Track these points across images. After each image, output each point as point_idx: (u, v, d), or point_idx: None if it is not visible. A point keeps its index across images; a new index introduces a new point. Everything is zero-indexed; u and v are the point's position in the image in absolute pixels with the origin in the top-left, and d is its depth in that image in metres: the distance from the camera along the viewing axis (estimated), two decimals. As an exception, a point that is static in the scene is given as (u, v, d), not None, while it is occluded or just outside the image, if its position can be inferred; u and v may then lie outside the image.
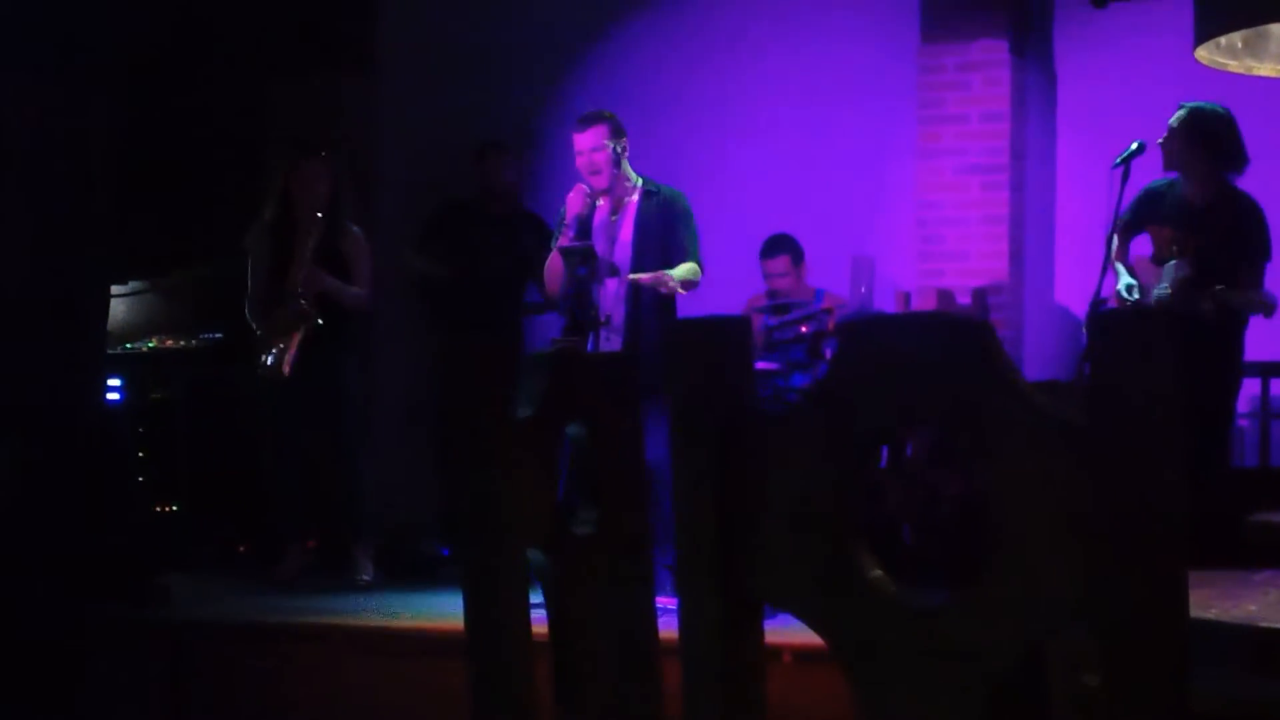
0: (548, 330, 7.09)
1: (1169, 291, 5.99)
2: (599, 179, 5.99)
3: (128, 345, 7.85)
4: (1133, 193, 6.11)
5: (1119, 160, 5.96)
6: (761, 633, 1.41)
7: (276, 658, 5.39)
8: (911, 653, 1.26)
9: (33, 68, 5.80)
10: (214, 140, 8.03)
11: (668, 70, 8.40)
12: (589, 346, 5.79)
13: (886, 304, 7.29)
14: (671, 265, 6.01)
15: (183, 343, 7.88)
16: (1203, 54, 2.65)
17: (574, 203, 6.00)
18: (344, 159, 7.11)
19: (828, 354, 6.21)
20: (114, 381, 7.51)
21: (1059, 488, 1.19)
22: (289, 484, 6.74)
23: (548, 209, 6.88)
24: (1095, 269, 6.18)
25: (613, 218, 6.07)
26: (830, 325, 6.39)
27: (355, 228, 6.79)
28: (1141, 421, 1.16)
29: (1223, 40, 2.62)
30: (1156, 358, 1.16)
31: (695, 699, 1.38)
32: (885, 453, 5.67)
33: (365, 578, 6.65)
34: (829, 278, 7.36)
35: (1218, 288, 5.90)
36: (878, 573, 1.28)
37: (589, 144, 6.00)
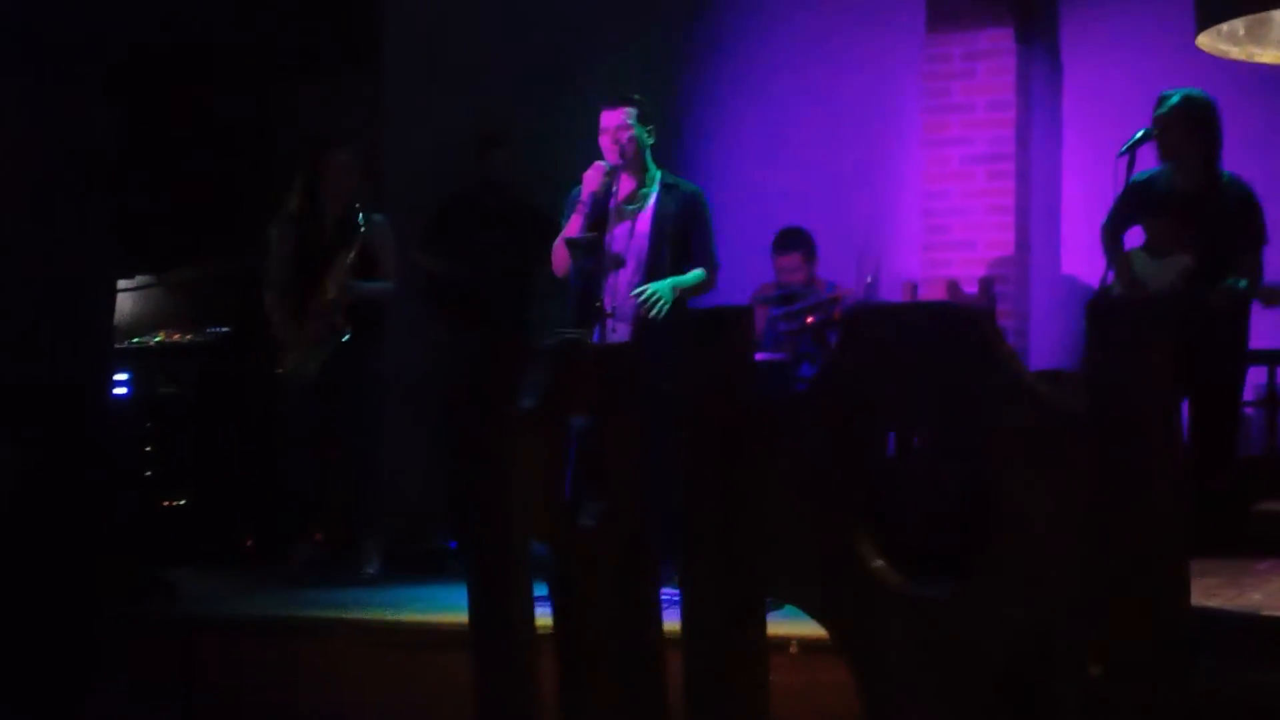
0: (553, 323, 7.09)
1: (1175, 284, 5.99)
2: (620, 159, 5.95)
3: (135, 339, 7.85)
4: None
5: (1125, 148, 5.95)
6: (764, 622, 1.41)
7: (283, 652, 5.40)
8: (915, 643, 1.26)
9: (37, 61, 5.80)
10: (220, 135, 8.04)
11: (673, 61, 8.39)
12: (594, 338, 5.79)
13: (893, 294, 7.28)
14: (686, 261, 6.02)
15: (190, 337, 7.88)
16: (1204, 41, 2.64)
17: (590, 180, 5.95)
18: (362, 153, 7.12)
19: (833, 344, 6.21)
20: (121, 376, 7.51)
21: (1060, 477, 1.19)
22: (302, 478, 6.75)
23: (550, 202, 6.87)
24: (1101, 258, 6.18)
25: (630, 207, 6.05)
26: (836, 315, 6.39)
27: (377, 216, 6.77)
28: (1140, 411, 1.16)
29: (1224, 27, 2.61)
30: (1155, 347, 1.16)
31: (698, 688, 1.38)
32: (891, 444, 5.67)
33: (372, 571, 6.65)
34: (835, 268, 7.35)
35: (1228, 282, 5.90)
36: (880, 563, 1.28)
37: (615, 122, 5.97)
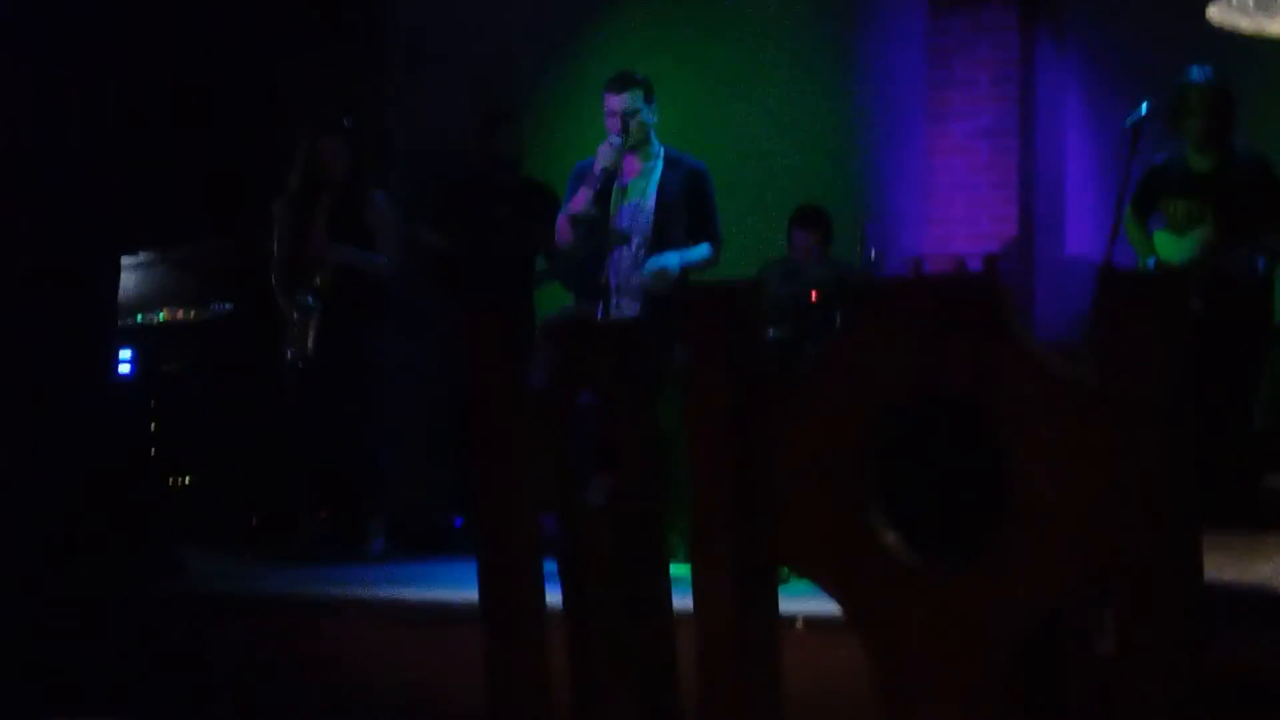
0: (559, 300, 7.09)
1: (1197, 256, 6.00)
2: (627, 139, 6.00)
3: (139, 317, 7.85)
4: (1140, 163, 6.09)
5: (1129, 122, 5.93)
6: (777, 600, 1.41)
7: (290, 629, 5.41)
8: (928, 619, 1.26)
9: (39, 41, 5.79)
10: (225, 111, 8.02)
11: (677, 39, 8.37)
12: (599, 314, 5.80)
13: (897, 269, 7.27)
14: (691, 237, 6.07)
15: (194, 314, 7.88)
16: (1214, 13, 2.63)
17: (603, 155, 5.99)
18: (364, 130, 7.13)
19: (839, 321, 6.21)
20: (125, 354, 7.51)
21: (1072, 450, 1.18)
22: (305, 457, 6.77)
23: (556, 178, 6.87)
24: (1106, 232, 6.17)
25: (635, 183, 6.10)
26: (840, 292, 6.38)
27: (379, 195, 6.81)
28: (1154, 382, 1.15)
29: (1235, -1, 2.61)
30: (1169, 318, 1.16)
31: (711, 667, 1.38)
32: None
33: (378, 549, 6.67)
34: (840, 243, 7.34)
35: (1245, 250, 5.92)
36: (894, 536, 1.28)
37: (621, 106, 6.02)
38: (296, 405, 6.74)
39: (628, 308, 5.96)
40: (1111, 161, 6.19)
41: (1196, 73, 6.05)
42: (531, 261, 7.44)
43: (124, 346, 7.46)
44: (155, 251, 7.97)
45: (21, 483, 5.67)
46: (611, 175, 5.96)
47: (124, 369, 7.53)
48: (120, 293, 6.68)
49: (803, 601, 3.85)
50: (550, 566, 1.75)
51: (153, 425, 7.54)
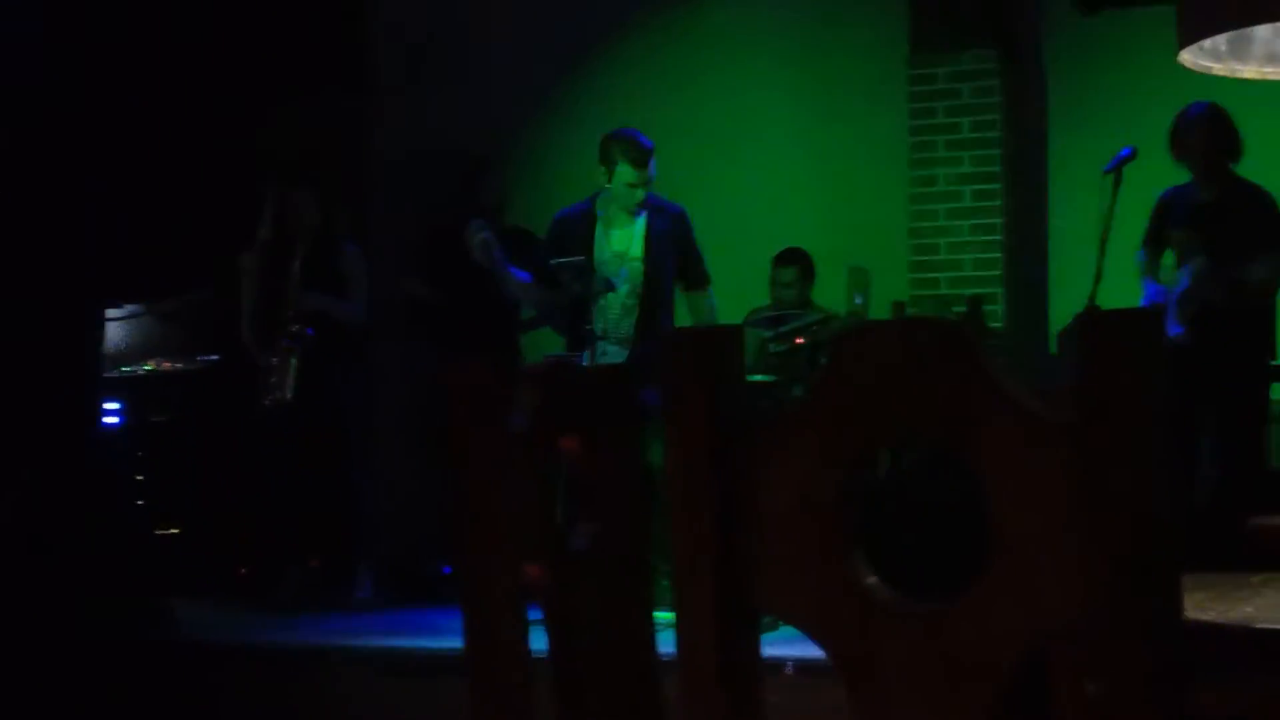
0: (545, 346, 7.10)
1: (1192, 286, 6.03)
2: (636, 202, 6.11)
3: (125, 368, 7.85)
4: (1129, 201, 6.12)
5: (1110, 166, 5.96)
6: (759, 644, 1.41)
7: (278, 679, 5.39)
8: (910, 661, 1.26)
9: (14, 95, 5.81)
10: (208, 162, 8.03)
11: (659, 85, 8.42)
12: (584, 360, 5.81)
13: (881, 314, 7.29)
14: (683, 279, 6.13)
15: (180, 365, 7.88)
16: (1186, 57, 2.66)
17: (602, 207, 6.14)
18: (336, 179, 7.16)
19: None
20: (112, 405, 7.51)
21: (1052, 491, 1.19)
22: (289, 505, 6.76)
23: (538, 226, 6.88)
24: (1089, 276, 6.19)
25: (619, 231, 6.12)
26: (826, 337, 6.41)
27: (352, 246, 6.86)
28: (1130, 424, 1.16)
29: (1206, 44, 2.63)
30: (1145, 357, 1.16)
31: (694, 713, 1.38)
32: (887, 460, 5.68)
33: (365, 596, 6.65)
34: (824, 289, 7.37)
35: (1228, 270, 5.95)
36: (874, 580, 1.28)
37: (653, 174, 6.10)
38: (276, 453, 6.74)
39: (615, 355, 5.97)
40: (1094, 205, 6.21)
41: (1195, 105, 6.11)
42: (517, 309, 7.45)
43: (111, 398, 7.46)
44: (141, 304, 7.97)
45: (7, 533, 5.65)
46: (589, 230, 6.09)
47: (111, 420, 7.52)
48: (107, 344, 6.69)
49: (794, 646, 3.85)
50: (535, 614, 1.75)
51: (140, 475, 7.52)
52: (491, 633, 1.66)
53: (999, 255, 7.63)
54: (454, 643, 1.78)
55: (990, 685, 1.24)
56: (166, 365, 7.93)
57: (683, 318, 6.36)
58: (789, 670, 4.53)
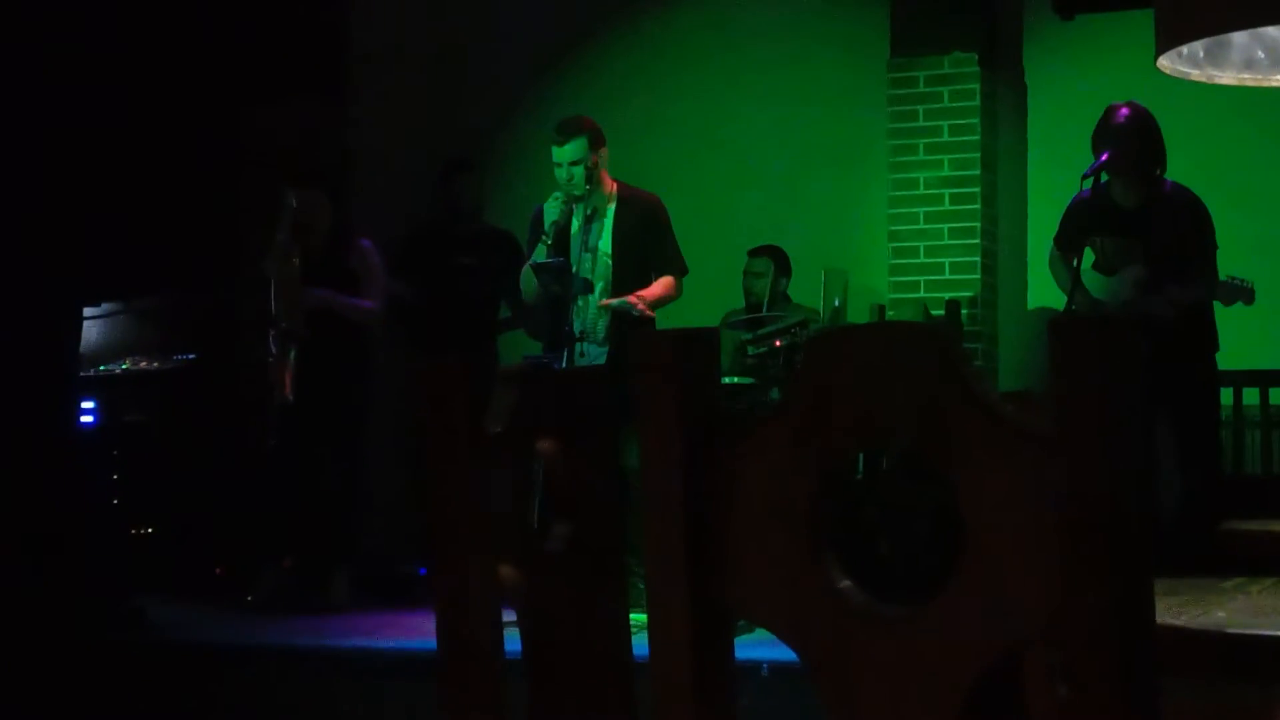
0: (524, 347, 7.10)
1: (1130, 297, 6.00)
2: (576, 189, 5.94)
3: (101, 367, 7.82)
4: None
5: (1089, 171, 5.95)
6: (733, 646, 1.40)
7: (253, 680, 5.37)
8: (883, 664, 1.26)
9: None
10: (187, 164, 8.01)
11: (638, 86, 8.42)
12: (562, 362, 5.79)
13: (860, 316, 7.31)
14: (652, 273, 6.03)
15: (156, 365, 7.85)
16: (1165, 63, 2.66)
17: (550, 211, 5.96)
18: (338, 180, 7.18)
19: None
20: (87, 404, 7.48)
21: (1024, 496, 1.19)
22: (279, 504, 6.73)
23: (516, 226, 6.88)
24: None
25: (591, 226, 6.02)
26: (804, 339, 6.41)
27: (365, 242, 6.83)
28: (1103, 428, 1.16)
29: (1184, 49, 2.63)
30: (1120, 364, 1.16)
31: (666, 714, 1.38)
32: (861, 464, 5.68)
33: (342, 598, 6.63)
34: (803, 291, 7.37)
35: (1170, 287, 5.92)
36: (848, 583, 1.28)
37: (568, 158, 5.93)
38: (275, 448, 6.71)
39: (593, 355, 5.94)
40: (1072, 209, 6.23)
41: (1119, 108, 6.06)
42: (495, 309, 7.45)
43: (86, 397, 7.43)
44: (117, 303, 7.94)
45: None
46: (563, 228, 5.94)
47: (86, 419, 7.49)
48: (83, 344, 6.66)
49: (769, 648, 3.85)
50: (510, 614, 1.75)
51: (115, 475, 7.50)
52: (465, 633, 1.66)
53: (978, 259, 7.65)
54: (429, 644, 1.77)
55: (962, 688, 1.24)
56: (143, 364, 7.90)
57: (664, 316, 6.31)
58: (764, 673, 4.53)
